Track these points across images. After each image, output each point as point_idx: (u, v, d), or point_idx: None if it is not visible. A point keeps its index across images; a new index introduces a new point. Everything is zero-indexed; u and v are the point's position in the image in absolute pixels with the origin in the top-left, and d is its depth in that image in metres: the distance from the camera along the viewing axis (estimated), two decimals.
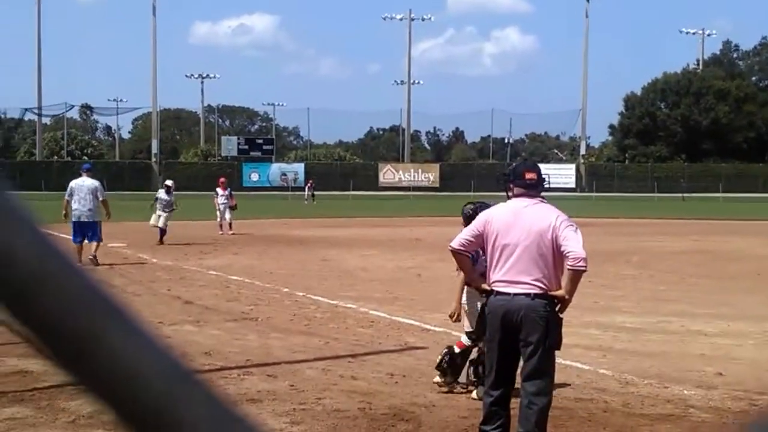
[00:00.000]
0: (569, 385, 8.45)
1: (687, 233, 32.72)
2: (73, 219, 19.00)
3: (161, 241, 25.26)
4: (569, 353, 7.35)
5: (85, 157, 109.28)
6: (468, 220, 8.50)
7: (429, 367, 9.39)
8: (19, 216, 0.62)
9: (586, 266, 6.03)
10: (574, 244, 5.99)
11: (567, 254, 5.97)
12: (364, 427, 7.13)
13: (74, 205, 19.03)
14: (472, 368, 8.26)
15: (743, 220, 41.85)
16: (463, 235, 6.51)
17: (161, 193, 26.58)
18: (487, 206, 8.63)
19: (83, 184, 19.27)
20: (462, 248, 6.50)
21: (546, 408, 6.09)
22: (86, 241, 19.15)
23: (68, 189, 19.39)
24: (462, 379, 8.41)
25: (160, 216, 26.06)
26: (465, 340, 8.48)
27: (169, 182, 28.16)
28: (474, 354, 8.29)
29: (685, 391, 8.49)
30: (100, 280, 0.64)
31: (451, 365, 8.25)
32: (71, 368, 0.63)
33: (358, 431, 6.99)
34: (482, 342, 8.19)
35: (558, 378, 6.37)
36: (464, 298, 8.38)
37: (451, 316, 8.64)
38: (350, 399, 8.04)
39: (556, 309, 6.16)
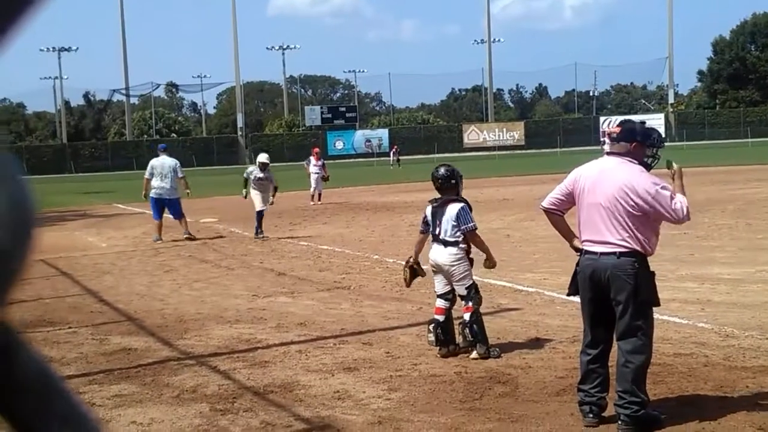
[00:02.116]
0: (667, 340, 8.32)
1: None
2: (154, 196, 19.55)
3: (260, 230, 19.99)
4: (666, 308, 7.23)
5: (174, 134, 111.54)
6: (442, 182, 8.43)
7: (523, 329, 9.38)
8: None
9: (686, 211, 5.95)
10: (667, 209, 5.91)
11: (672, 212, 5.89)
12: (461, 390, 7.14)
13: (155, 183, 19.57)
14: (467, 329, 8.22)
15: None
16: (554, 193, 6.44)
17: (254, 170, 20.33)
18: (457, 170, 8.60)
19: (164, 162, 19.71)
20: (553, 207, 6.43)
21: (643, 366, 6.00)
22: (171, 218, 19.62)
23: (148, 168, 19.89)
24: (460, 342, 8.39)
25: (258, 198, 20.12)
26: (441, 303, 8.45)
27: (264, 156, 20.70)
28: (467, 316, 8.26)
29: None
30: None
31: (471, 333, 8.22)
32: None
33: (455, 395, 7.01)
34: (473, 301, 8.21)
35: (656, 334, 6.27)
36: (444, 259, 8.32)
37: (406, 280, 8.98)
38: (446, 364, 8.07)
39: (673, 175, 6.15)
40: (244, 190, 20.69)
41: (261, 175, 20.18)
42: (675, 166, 6.19)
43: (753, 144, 73.89)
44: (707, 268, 12.86)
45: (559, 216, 6.47)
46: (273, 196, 20.28)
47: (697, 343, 8.40)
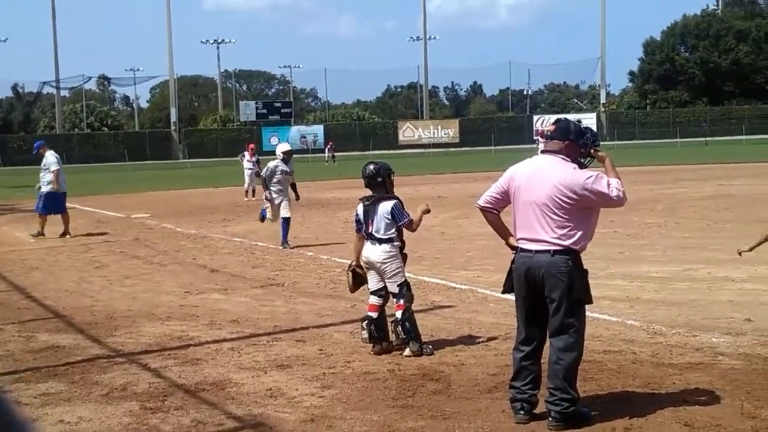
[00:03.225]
0: (597, 337, 8.44)
1: (711, 178, 32.48)
2: (48, 191, 19.59)
3: (286, 241, 16.98)
4: (597, 305, 7.32)
5: (105, 128, 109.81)
6: (370, 179, 8.50)
7: (456, 326, 9.43)
8: None
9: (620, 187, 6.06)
10: (603, 186, 5.99)
11: (609, 185, 5.97)
12: (394, 388, 7.15)
13: (48, 178, 19.63)
14: (399, 327, 8.27)
15: None
16: (489, 191, 6.47)
17: (278, 164, 17.08)
18: (388, 166, 8.65)
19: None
20: (489, 205, 6.46)
21: (574, 363, 6.08)
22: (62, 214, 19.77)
23: (56, 161, 19.73)
24: (393, 338, 8.42)
25: (281, 201, 17.08)
26: (374, 300, 8.50)
27: (286, 145, 18.39)
28: (399, 314, 8.31)
29: (714, 339, 8.45)
30: None
31: (404, 330, 8.26)
32: None
33: (388, 393, 7.02)
34: (404, 299, 8.27)
35: (587, 331, 6.34)
36: (377, 256, 8.36)
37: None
38: (379, 361, 8.08)
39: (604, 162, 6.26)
40: (267, 195, 17.09)
41: (287, 168, 17.15)
42: (601, 153, 6.29)
43: (682, 144, 75.35)
44: (637, 266, 13.07)
45: (494, 214, 6.50)
46: (296, 192, 17.86)
47: (626, 340, 8.53)
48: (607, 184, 6.01)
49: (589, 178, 5.99)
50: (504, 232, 6.51)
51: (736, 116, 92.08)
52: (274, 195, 16.95)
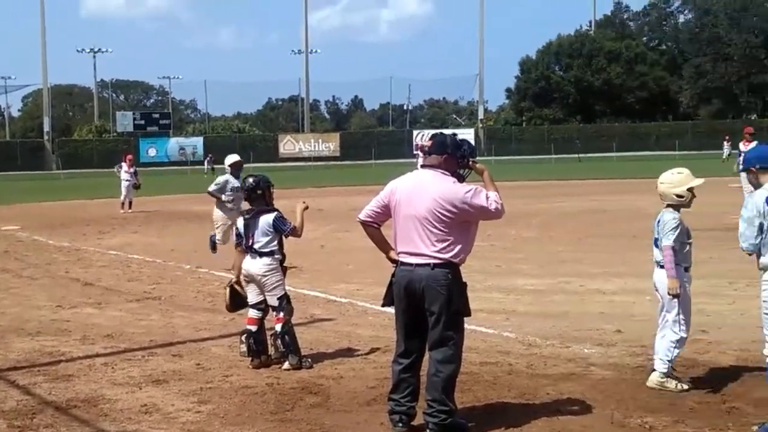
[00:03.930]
0: (474, 349, 8.55)
1: (584, 193, 33.47)
2: None
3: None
4: (474, 318, 7.41)
5: None
6: (250, 192, 8.53)
7: (336, 339, 9.43)
8: None
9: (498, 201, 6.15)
10: (481, 200, 6.07)
11: (488, 198, 6.06)
12: (272, 402, 7.09)
13: None
14: (279, 340, 8.27)
15: (638, 179, 42.87)
16: (370, 205, 6.48)
17: (228, 179, 14.96)
18: (267, 178, 8.67)
19: None
20: (369, 219, 6.47)
21: (452, 375, 6.14)
22: None
23: None
24: (272, 352, 8.39)
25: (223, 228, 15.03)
26: (253, 313, 8.46)
27: (233, 157, 15.34)
28: (278, 327, 8.30)
29: (586, 350, 8.69)
30: None
31: (283, 343, 8.25)
32: None
33: (266, 407, 6.95)
34: (284, 312, 8.31)
35: (464, 343, 6.41)
36: (257, 269, 8.31)
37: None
38: (258, 375, 8.00)
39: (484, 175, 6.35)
40: (219, 226, 15.06)
41: (237, 183, 14.39)
42: (479, 165, 6.40)
43: (556, 160, 77.24)
44: (513, 279, 13.33)
45: (375, 228, 6.52)
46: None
47: (502, 351, 8.69)
48: (486, 197, 6.11)
49: (468, 191, 6.08)
50: (384, 246, 6.54)
51: (607, 134, 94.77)
52: (228, 213, 14.75)
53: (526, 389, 7.28)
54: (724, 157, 61.29)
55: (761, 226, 6.17)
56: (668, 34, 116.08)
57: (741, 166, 8.03)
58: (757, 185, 6.41)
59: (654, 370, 7.26)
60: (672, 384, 7.15)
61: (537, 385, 7.41)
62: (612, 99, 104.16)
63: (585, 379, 7.60)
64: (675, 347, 7.21)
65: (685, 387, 7.15)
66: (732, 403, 6.71)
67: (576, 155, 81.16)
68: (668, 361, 7.19)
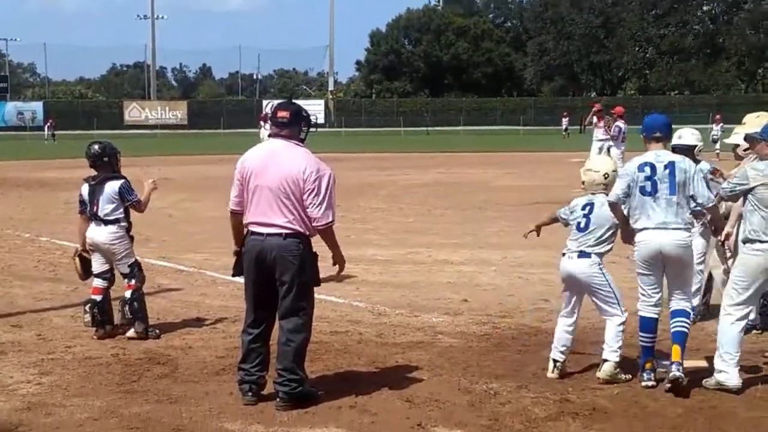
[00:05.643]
0: (325, 318, 8.59)
1: (432, 166, 34.00)
2: None
3: None
4: (323, 288, 7.45)
5: None
6: (95, 159, 8.27)
7: (184, 309, 9.30)
8: None
9: (328, 224, 6.13)
10: (315, 207, 6.00)
11: (311, 216, 6.02)
12: (118, 373, 6.94)
13: None
14: (127, 306, 8.14)
15: (483, 152, 43.92)
16: (233, 193, 6.28)
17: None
18: (113, 146, 8.44)
19: None
20: (239, 208, 6.30)
21: (303, 344, 6.15)
22: None
23: None
24: (117, 320, 8.25)
25: None
26: (98, 282, 8.30)
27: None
28: (128, 294, 8.19)
29: (434, 319, 8.86)
30: None
31: (131, 310, 8.09)
32: None
33: (112, 378, 6.79)
34: (136, 279, 8.19)
35: (315, 313, 6.43)
36: (104, 238, 8.13)
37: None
38: (102, 346, 7.81)
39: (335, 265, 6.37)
40: None
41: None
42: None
43: (405, 133, 78.07)
44: (363, 249, 13.42)
45: (243, 216, 6.33)
46: None
47: (352, 321, 8.77)
48: (324, 195, 6.08)
49: (314, 173, 6.03)
50: (238, 240, 6.38)
51: (455, 108, 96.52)
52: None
53: (375, 357, 7.37)
54: (563, 132, 63.80)
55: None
56: (513, 12, 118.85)
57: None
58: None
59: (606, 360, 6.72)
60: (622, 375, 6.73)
61: (386, 353, 7.51)
62: (459, 74, 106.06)
63: (433, 347, 7.75)
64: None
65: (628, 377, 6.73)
66: (571, 369, 6.97)
67: (424, 128, 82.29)
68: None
